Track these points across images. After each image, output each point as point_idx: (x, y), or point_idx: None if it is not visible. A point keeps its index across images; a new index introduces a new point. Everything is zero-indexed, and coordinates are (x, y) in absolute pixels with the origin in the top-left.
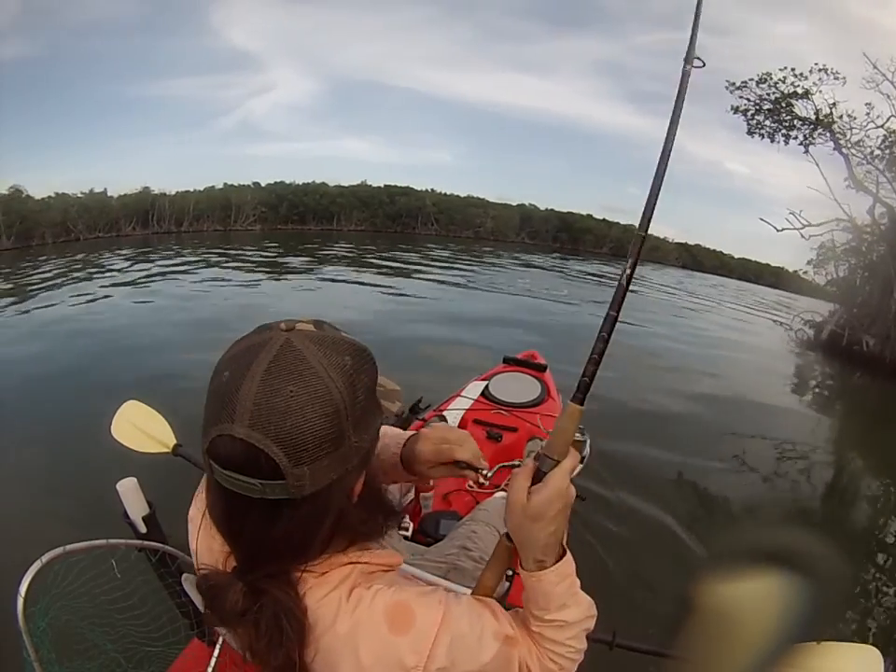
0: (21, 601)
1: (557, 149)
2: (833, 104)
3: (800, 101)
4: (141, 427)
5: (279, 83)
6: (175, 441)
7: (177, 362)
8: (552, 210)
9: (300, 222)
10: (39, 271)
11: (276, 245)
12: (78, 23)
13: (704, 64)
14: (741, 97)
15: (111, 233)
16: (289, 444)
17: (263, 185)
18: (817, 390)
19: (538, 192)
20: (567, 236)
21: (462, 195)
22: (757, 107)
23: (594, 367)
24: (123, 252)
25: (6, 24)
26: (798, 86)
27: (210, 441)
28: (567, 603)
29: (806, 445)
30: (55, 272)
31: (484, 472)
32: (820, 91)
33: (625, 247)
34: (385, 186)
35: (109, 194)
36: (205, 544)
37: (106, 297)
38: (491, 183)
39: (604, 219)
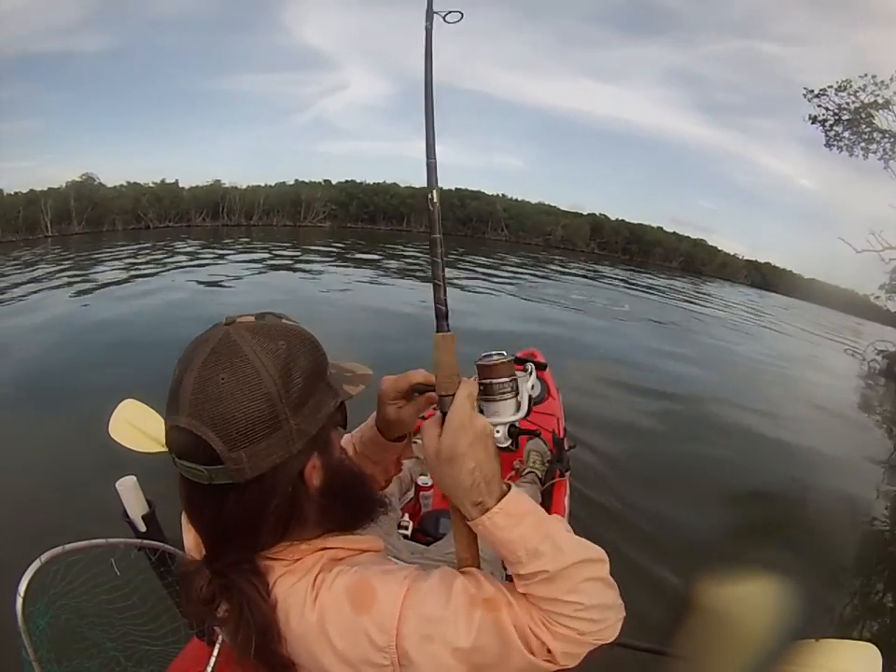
0: (20, 600)
1: (628, 158)
2: None
3: (881, 111)
4: (138, 426)
5: (352, 82)
6: None
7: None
8: (622, 221)
9: (369, 221)
10: (104, 256)
11: (344, 242)
12: (154, 18)
13: (462, 17)
14: (819, 105)
15: (181, 223)
16: (223, 429)
17: (334, 182)
18: (885, 426)
19: (608, 202)
20: (637, 248)
21: (533, 202)
22: (836, 117)
23: (442, 293)
24: (192, 242)
25: (84, 19)
26: (878, 95)
27: (167, 433)
28: (539, 549)
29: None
30: (116, 259)
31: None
32: None
33: (695, 262)
34: (456, 189)
35: (181, 185)
36: (190, 536)
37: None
38: (561, 190)
39: (674, 233)
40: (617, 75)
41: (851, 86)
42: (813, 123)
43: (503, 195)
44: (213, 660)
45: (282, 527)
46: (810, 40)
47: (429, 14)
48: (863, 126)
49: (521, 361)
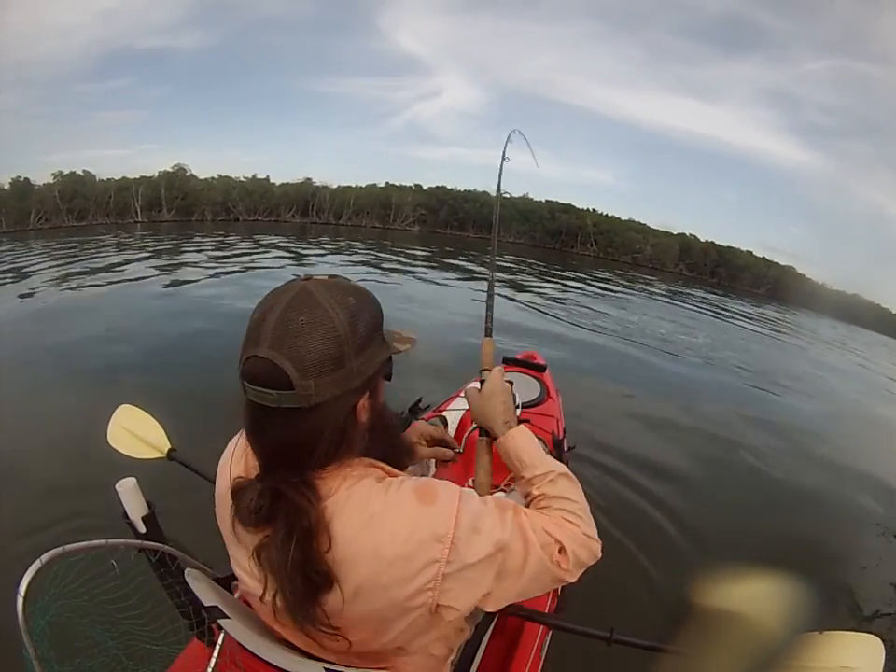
0: (20, 600)
1: (720, 179)
2: None
3: None
4: (135, 433)
5: (446, 89)
6: (169, 446)
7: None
8: (712, 243)
9: (458, 228)
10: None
11: (431, 248)
12: (252, 19)
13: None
14: None
15: (270, 218)
16: (298, 360)
17: (425, 187)
18: None
19: (698, 222)
20: (726, 272)
21: (623, 218)
22: None
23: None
24: (280, 237)
25: (185, 16)
26: None
27: (243, 364)
28: (544, 458)
29: None
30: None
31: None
32: None
33: (783, 290)
34: (547, 201)
35: (271, 181)
36: (223, 482)
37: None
38: (651, 208)
39: (763, 258)
40: (710, 92)
41: None
42: None
43: (593, 210)
44: (213, 661)
45: (333, 450)
46: None
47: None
48: None
49: (522, 364)
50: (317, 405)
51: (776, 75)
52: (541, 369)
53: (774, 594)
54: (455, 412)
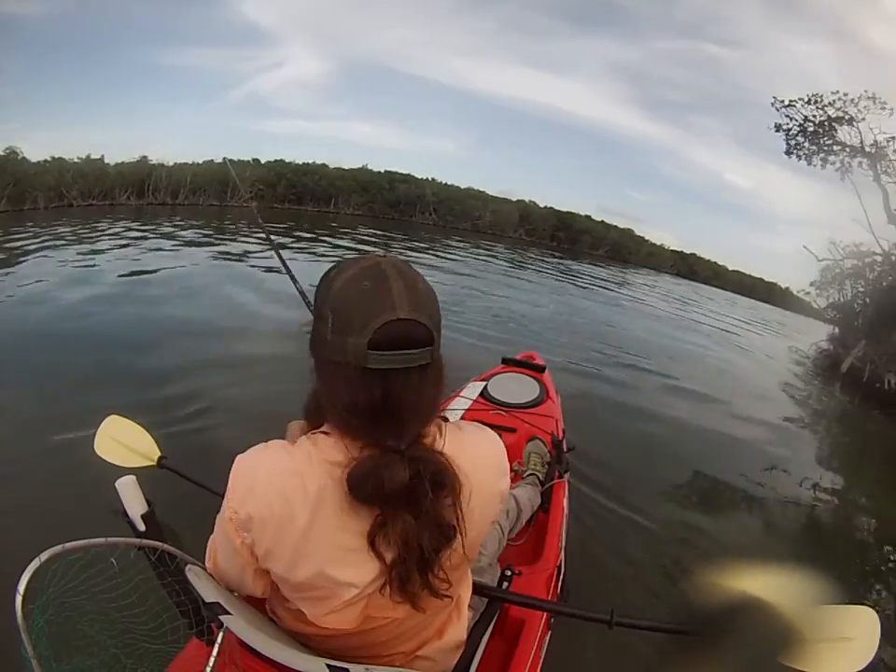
0: (19, 598)
1: (563, 148)
2: (893, 137)
3: (844, 126)
4: (124, 443)
5: (290, 60)
6: (159, 454)
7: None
8: (551, 208)
9: (296, 202)
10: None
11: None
12: None
13: None
14: (786, 115)
15: (105, 201)
16: (431, 318)
17: (263, 162)
18: (822, 422)
19: (539, 189)
20: (566, 235)
21: (463, 186)
22: (801, 128)
23: None
24: (116, 222)
25: None
26: (845, 111)
27: (375, 330)
28: None
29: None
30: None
31: None
32: (864, 119)
33: (622, 251)
34: (386, 171)
35: (106, 161)
36: (315, 470)
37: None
38: (493, 176)
39: (602, 221)
40: (562, 65)
41: (822, 100)
42: (777, 131)
43: (433, 179)
44: (212, 660)
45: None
46: (753, 44)
47: None
48: (825, 139)
49: (521, 364)
50: (437, 359)
51: (627, 51)
52: (541, 369)
53: (777, 577)
54: (454, 412)
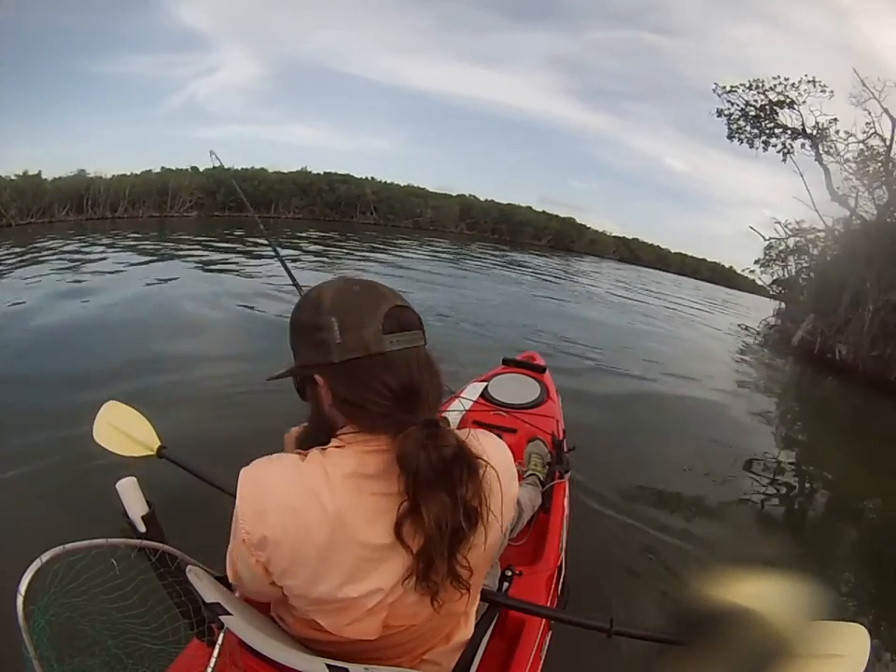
0: (20, 599)
1: (502, 141)
2: (835, 119)
3: (785, 109)
4: (123, 430)
5: (226, 64)
6: (159, 443)
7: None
8: (492, 201)
9: (237, 209)
10: None
11: (210, 234)
12: None
13: None
14: (728, 101)
15: (44, 219)
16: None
17: (202, 169)
18: (787, 398)
19: (481, 184)
20: (507, 227)
21: (402, 184)
22: (742, 112)
23: None
24: (53, 240)
25: None
26: (786, 95)
27: (384, 316)
28: None
29: (777, 454)
30: None
31: None
32: (805, 102)
33: (564, 239)
34: (325, 173)
35: (44, 176)
36: (342, 464)
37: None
38: (432, 173)
39: (543, 212)
40: (501, 59)
41: (763, 85)
42: (719, 116)
43: (372, 178)
44: (213, 660)
45: None
46: (690, 32)
47: None
48: (766, 122)
49: (521, 365)
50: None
51: (565, 43)
52: (541, 370)
53: (772, 587)
54: (454, 413)
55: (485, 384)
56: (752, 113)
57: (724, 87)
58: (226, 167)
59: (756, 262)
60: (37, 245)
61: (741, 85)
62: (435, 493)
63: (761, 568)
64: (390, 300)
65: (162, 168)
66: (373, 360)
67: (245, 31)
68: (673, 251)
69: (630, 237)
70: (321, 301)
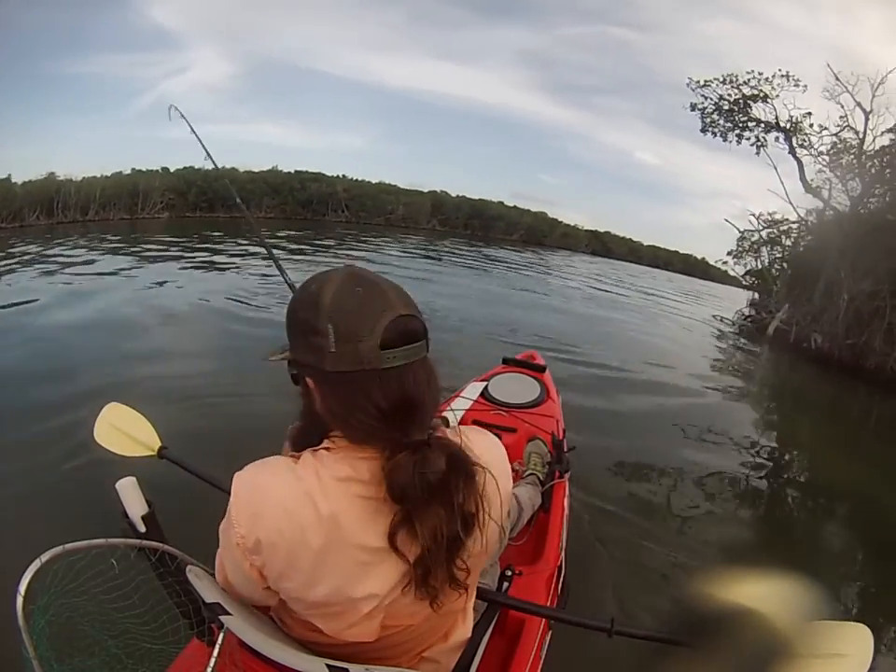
0: (20, 599)
1: (473, 137)
2: (809, 112)
3: (758, 103)
4: (124, 430)
5: (196, 63)
6: (160, 444)
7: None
8: (463, 197)
9: (208, 209)
10: None
11: (180, 235)
12: None
13: None
14: (702, 95)
15: (14, 223)
16: (418, 311)
17: (172, 170)
18: (764, 386)
19: (452, 179)
20: (479, 223)
21: (374, 181)
22: (716, 106)
23: None
24: (25, 245)
25: None
26: (760, 89)
27: (385, 329)
28: None
29: (756, 442)
30: None
31: None
32: (778, 96)
33: (536, 234)
34: (296, 171)
35: (13, 180)
36: (337, 469)
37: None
38: (403, 169)
39: (514, 206)
40: (472, 55)
41: (737, 79)
42: (693, 111)
43: (343, 175)
44: (213, 660)
45: None
46: (661, 27)
47: None
48: (740, 115)
49: (521, 364)
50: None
51: (535, 38)
52: (541, 369)
53: (773, 587)
54: (454, 412)
55: (485, 383)
56: (726, 107)
57: (698, 81)
58: (196, 167)
59: (729, 254)
60: (13, 250)
61: (715, 79)
62: (429, 508)
63: (761, 568)
64: (395, 307)
65: (133, 169)
66: (367, 375)
67: (216, 29)
68: (645, 244)
69: (602, 230)
70: (320, 299)
